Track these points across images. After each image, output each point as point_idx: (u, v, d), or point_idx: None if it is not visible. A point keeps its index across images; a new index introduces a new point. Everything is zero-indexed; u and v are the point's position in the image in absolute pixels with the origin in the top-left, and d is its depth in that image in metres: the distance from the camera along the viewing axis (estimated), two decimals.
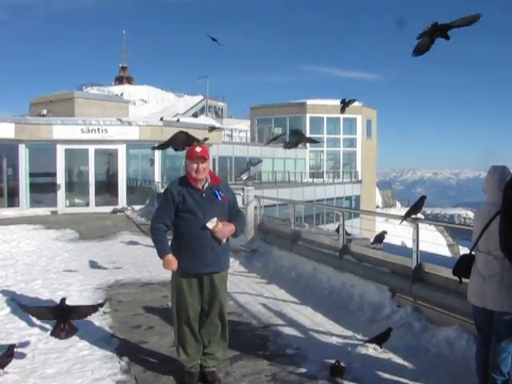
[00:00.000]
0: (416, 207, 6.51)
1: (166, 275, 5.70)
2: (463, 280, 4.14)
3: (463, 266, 4.09)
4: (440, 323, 5.59)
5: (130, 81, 74.20)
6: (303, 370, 4.81)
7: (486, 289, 3.85)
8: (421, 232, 6.34)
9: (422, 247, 6.42)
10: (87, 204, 21.42)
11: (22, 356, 5.02)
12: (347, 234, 8.36)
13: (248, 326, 6.19)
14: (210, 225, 4.30)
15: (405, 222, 6.55)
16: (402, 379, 4.63)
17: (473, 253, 4.03)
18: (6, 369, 4.67)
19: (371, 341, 5.29)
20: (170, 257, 4.34)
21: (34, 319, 6.19)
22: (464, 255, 4.21)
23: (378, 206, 49.63)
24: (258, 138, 41.71)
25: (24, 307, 5.67)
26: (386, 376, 4.70)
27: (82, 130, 20.82)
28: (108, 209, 20.80)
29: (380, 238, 7.73)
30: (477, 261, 3.98)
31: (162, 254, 4.38)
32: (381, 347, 5.23)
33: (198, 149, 4.40)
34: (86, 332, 5.75)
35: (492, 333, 3.88)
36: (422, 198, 6.63)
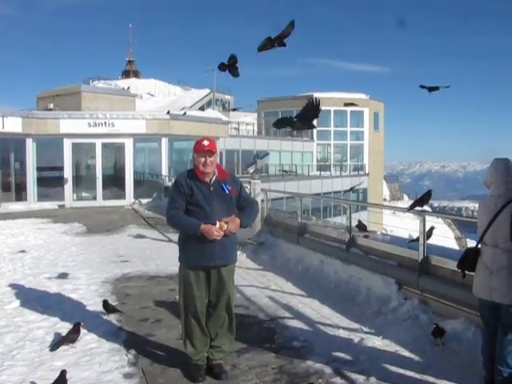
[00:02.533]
0: (422, 200, 6.49)
1: (174, 268, 5.72)
2: (469, 273, 4.12)
3: (469, 259, 4.06)
4: (447, 316, 5.58)
5: (136, 74, 74.26)
6: (310, 363, 4.81)
7: (493, 282, 3.82)
8: (428, 225, 6.32)
9: (429, 240, 6.40)
10: (94, 198, 21.45)
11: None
12: (363, 228, 8.28)
13: (255, 318, 6.20)
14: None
15: (412, 215, 6.54)
16: (408, 372, 4.62)
17: (478, 246, 4.01)
18: (73, 344, 5.13)
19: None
20: (205, 226, 4.27)
21: (42, 312, 6.25)
22: (469, 249, 4.18)
23: (385, 199, 49.56)
24: (264, 132, 41.68)
25: None
26: (393, 368, 4.70)
27: (88, 123, 20.82)
28: (115, 202, 20.87)
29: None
30: (483, 254, 3.95)
31: (195, 228, 4.27)
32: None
33: (206, 142, 4.40)
34: (93, 325, 5.79)
35: (498, 326, 3.86)
36: (429, 192, 6.63)
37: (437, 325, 5.23)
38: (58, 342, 5.18)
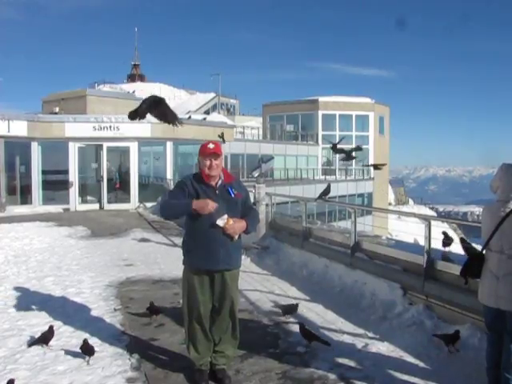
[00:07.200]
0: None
1: (178, 272, 5.69)
2: (473, 279, 4.05)
3: (472, 266, 3.98)
4: (452, 321, 5.54)
5: (142, 78, 74.50)
6: (314, 368, 4.78)
7: (499, 289, 3.75)
8: (433, 229, 6.29)
9: (435, 245, 6.37)
10: (99, 201, 21.48)
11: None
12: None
13: (259, 323, 6.17)
14: (221, 222, 4.26)
15: (417, 220, 6.51)
16: (413, 378, 4.59)
17: (483, 252, 3.94)
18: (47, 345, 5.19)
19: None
20: (198, 201, 4.24)
21: (45, 316, 6.24)
22: (473, 255, 4.10)
23: (390, 204, 49.43)
24: (269, 136, 41.67)
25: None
26: (398, 375, 4.66)
27: (94, 127, 20.86)
28: (120, 206, 20.87)
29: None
30: (488, 260, 3.87)
31: (188, 206, 4.25)
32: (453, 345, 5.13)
33: (211, 145, 4.39)
34: (96, 329, 5.78)
35: (503, 332, 3.81)
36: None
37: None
38: (34, 341, 5.26)
